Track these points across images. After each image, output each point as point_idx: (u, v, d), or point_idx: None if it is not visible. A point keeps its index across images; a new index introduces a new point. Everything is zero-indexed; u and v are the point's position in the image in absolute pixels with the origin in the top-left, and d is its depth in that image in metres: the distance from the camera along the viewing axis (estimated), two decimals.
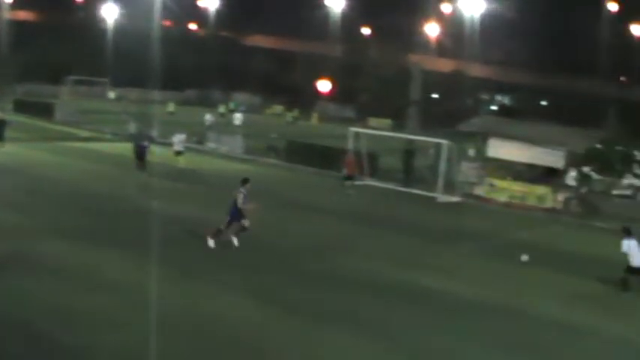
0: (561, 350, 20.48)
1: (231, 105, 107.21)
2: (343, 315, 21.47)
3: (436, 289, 25.09)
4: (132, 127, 67.38)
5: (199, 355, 17.91)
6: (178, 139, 49.88)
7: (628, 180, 49.79)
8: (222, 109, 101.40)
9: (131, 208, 34.37)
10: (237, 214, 27.83)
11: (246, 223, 27.91)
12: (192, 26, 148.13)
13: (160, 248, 25.36)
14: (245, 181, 28.67)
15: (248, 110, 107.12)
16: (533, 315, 23.28)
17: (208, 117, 78.83)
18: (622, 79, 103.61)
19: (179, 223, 31.34)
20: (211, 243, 27.77)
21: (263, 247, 28.97)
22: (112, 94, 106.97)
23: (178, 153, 49.40)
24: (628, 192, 51.19)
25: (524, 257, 29.53)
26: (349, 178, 44.87)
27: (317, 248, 29.86)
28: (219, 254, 27.17)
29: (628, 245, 26.56)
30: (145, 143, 44.57)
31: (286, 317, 20.88)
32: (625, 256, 26.65)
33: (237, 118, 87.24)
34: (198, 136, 64.10)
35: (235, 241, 27.98)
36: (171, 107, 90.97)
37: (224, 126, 78.72)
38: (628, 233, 26.98)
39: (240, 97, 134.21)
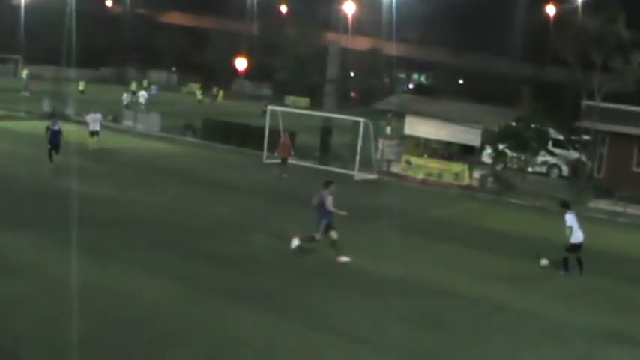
0: (472, 325, 20.56)
1: (145, 83, 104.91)
2: (258, 293, 21.30)
3: (351, 266, 25.05)
4: (46, 106, 66.37)
5: (115, 334, 17.63)
6: (93, 119, 46.80)
7: (542, 158, 50.50)
8: (133, 86, 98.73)
9: (45, 189, 33.65)
10: (328, 217, 26.09)
11: (322, 234, 26.09)
12: (108, 3, 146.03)
13: (74, 230, 24.94)
14: (328, 183, 26.88)
15: (163, 88, 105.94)
16: (448, 291, 23.39)
17: (126, 95, 77.23)
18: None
19: (94, 204, 30.84)
20: (295, 242, 26.07)
21: (178, 226, 28.72)
22: (24, 72, 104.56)
23: (94, 133, 46.37)
24: (542, 169, 52.00)
25: (544, 261, 27.69)
26: (283, 160, 44.67)
27: (231, 227, 29.67)
28: (134, 235, 26.80)
29: (571, 219, 26.60)
30: (57, 127, 39.76)
31: (201, 297, 20.64)
32: (568, 232, 26.45)
33: (142, 95, 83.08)
34: (114, 114, 63.35)
35: (295, 242, 26.15)
36: (81, 85, 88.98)
37: (137, 104, 77.55)
38: (567, 207, 27.01)
39: (157, 75, 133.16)
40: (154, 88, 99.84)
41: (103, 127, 47.56)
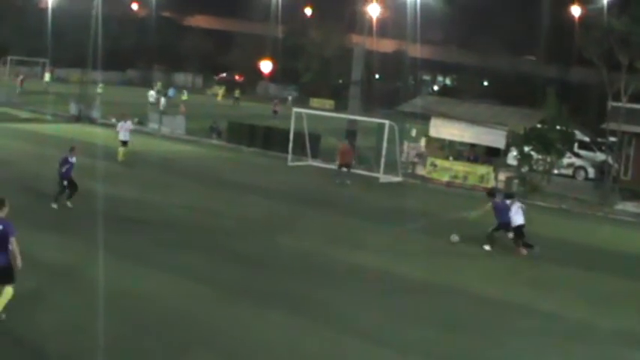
0: (495, 328, 20.52)
1: (158, 85, 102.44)
2: (283, 295, 21.33)
3: (374, 268, 25.01)
4: (73, 108, 66.71)
5: (140, 336, 17.69)
6: (124, 127, 43.78)
7: (568, 159, 50.29)
8: (157, 86, 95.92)
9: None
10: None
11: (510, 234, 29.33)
12: (134, 6, 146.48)
13: (100, 231, 25.11)
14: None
15: (188, 90, 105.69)
16: (470, 293, 23.32)
17: (163, 99, 74.99)
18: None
19: (119, 206, 31.00)
20: (524, 252, 28.89)
21: (203, 228, 28.80)
22: (47, 76, 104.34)
23: (124, 143, 43.33)
24: (568, 171, 51.76)
25: (455, 237, 29.57)
26: (344, 166, 43.96)
27: (256, 229, 29.70)
28: (160, 237, 26.87)
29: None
30: (72, 158, 30.58)
31: (226, 298, 20.67)
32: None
33: (155, 97, 79.21)
34: (139, 116, 63.69)
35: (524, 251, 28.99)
36: (99, 88, 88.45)
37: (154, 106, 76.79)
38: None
39: (182, 77, 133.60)
40: (170, 90, 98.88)
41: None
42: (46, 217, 28.13)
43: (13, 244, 17.20)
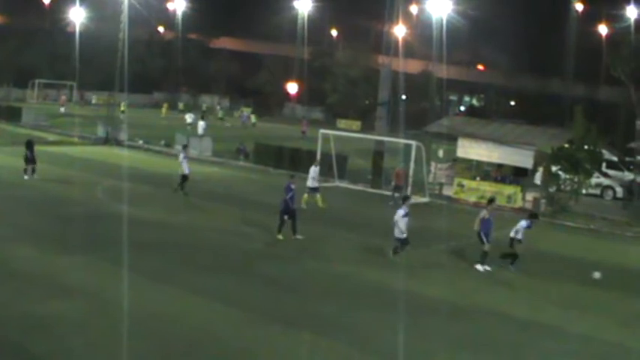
0: (528, 350, 20.40)
1: (181, 106, 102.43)
2: (311, 318, 21.31)
3: (402, 290, 24.86)
4: (100, 131, 67.06)
5: (167, 358, 17.70)
6: (315, 171, 41.21)
7: (596, 179, 49.98)
8: (220, 113, 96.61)
9: (97, 212, 33.93)
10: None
11: (486, 247, 29.02)
12: (161, 29, 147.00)
13: (126, 253, 25.16)
14: (491, 200, 31.70)
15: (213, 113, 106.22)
16: (500, 315, 23.22)
17: (202, 123, 74.97)
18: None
19: (146, 228, 31.09)
20: (480, 268, 28.93)
21: (231, 250, 28.80)
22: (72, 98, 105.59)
23: (313, 190, 40.99)
24: (596, 191, 51.44)
25: (597, 274, 28.57)
26: (398, 188, 44.11)
27: (284, 250, 29.67)
28: (187, 258, 26.89)
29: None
30: (293, 185, 32.82)
31: (254, 320, 20.67)
32: None
33: (201, 126, 79.65)
34: (166, 138, 63.99)
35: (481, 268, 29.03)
36: (122, 106, 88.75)
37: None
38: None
39: (209, 99, 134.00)
40: (244, 115, 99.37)
41: (155, 152, 47.31)
42: (74, 239, 28.21)
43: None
